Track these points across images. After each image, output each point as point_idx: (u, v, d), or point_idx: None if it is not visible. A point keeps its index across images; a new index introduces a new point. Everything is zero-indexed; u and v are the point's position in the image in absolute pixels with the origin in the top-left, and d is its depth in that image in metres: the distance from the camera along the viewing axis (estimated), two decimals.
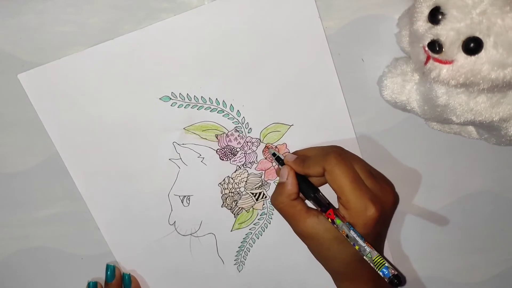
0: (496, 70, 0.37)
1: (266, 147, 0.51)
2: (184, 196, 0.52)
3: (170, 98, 0.48)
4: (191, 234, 0.53)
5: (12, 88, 0.47)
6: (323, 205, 0.46)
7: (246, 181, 0.52)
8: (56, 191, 0.51)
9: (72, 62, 0.46)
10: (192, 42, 0.47)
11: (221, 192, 0.52)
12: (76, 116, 0.48)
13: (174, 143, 0.50)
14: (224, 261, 0.55)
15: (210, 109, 0.49)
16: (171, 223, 0.53)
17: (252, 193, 0.53)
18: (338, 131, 0.51)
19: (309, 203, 0.48)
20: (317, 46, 0.48)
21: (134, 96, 0.48)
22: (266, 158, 0.51)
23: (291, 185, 0.47)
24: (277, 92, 0.49)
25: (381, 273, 0.42)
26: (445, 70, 0.39)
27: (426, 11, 0.39)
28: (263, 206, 0.53)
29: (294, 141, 0.51)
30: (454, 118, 0.44)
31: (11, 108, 0.48)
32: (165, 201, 0.52)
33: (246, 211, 0.53)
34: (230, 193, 0.52)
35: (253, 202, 0.53)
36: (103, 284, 0.53)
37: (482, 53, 0.37)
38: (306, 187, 0.47)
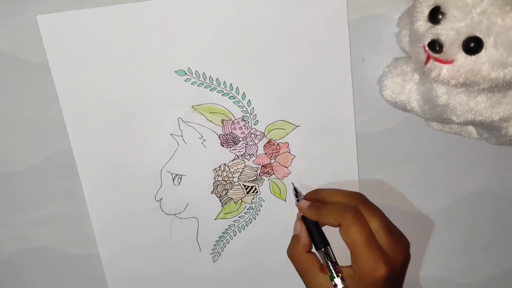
0: (496, 69, 0.37)
1: (292, 183, 0.51)
2: (177, 175, 0.52)
3: (186, 73, 0.48)
4: (174, 214, 0.53)
5: (12, 88, 0.47)
6: (331, 261, 0.46)
7: (241, 172, 0.52)
8: (56, 191, 0.51)
9: (94, 15, 0.45)
10: (218, 23, 0.46)
11: (214, 178, 0.52)
12: (86, 71, 0.47)
13: (179, 119, 0.49)
14: (201, 248, 0.54)
15: (222, 93, 0.49)
16: (157, 199, 0.52)
17: (244, 185, 0.53)
18: (340, 141, 0.51)
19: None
20: (339, 51, 0.48)
21: (150, 64, 0.47)
22: (266, 154, 0.51)
23: (305, 238, 0.47)
24: (291, 90, 0.49)
25: None
26: (445, 70, 0.39)
27: (426, 11, 0.39)
28: (252, 200, 0.53)
29: (297, 142, 0.51)
30: (454, 118, 0.44)
31: (11, 108, 0.48)
32: (156, 176, 0.51)
33: (235, 202, 0.53)
34: (222, 181, 0.52)
35: (243, 195, 0.53)
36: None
37: (482, 53, 0.37)
38: (319, 238, 0.47)
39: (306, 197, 0.50)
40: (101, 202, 0.52)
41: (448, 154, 0.53)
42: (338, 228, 0.45)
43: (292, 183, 0.52)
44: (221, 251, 0.55)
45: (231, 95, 0.49)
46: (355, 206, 0.45)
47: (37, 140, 0.49)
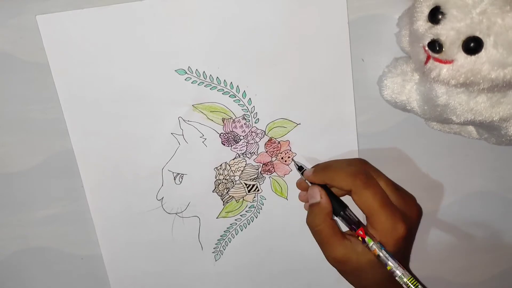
0: (496, 69, 0.37)
1: (292, 160, 0.51)
2: (178, 174, 0.51)
3: (186, 72, 0.48)
4: (176, 213, 0.53)
5: (12, 88, 0.47)
6: (353, 223, 0.45)
7: (242, 171, 0.52)
8: (56, 191, 0.51)
9: (93, 15, 0.45)
10: (219, 22, 0.46)
11: (216, 177, 0.52)
12: (86, 70, 0.47)
13: (179, 118, 0.49)
14: (203, 247, 0.54)
15: (222, 92, 0.49)
16: (158, 199, 0.52)
17: (246, 184, 0.53)
18: (341, 139, 0.51)
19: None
20: (339, 51, 0.48)
21: (149, 63, 0.47)
22: (267, 152, 0.51)
23: (327, 204, 0.46)
24: (291, 89, 0.49)
25: None
26: (445, 70, 0.39)
27: (426, 11, 0.39)
28: (254, 199, 0.53)
29: (298, 141, 0.51)
30: (454, 118, 0.44)
31: (11, 108, 0.48)
32: (157, 175, 0.51)
33: (236, 201, 0.53)
34: (224, 180, 0.52)
35: (245, 193, 0.53)
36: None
37: (482, 53, 0.37)
38: (335, 203, 0.47)
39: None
40: (102, 201, 0.52)
41: (448, 154, 0.53)
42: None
43: (293, 159, 0.51)
44: (223, 250, 0.55)
45: (231, 93, 0.49)
46: (365, 170, 0.45)
47: (37, 140, 0.49)
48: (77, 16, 0.45)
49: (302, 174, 0.50)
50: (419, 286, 0.42)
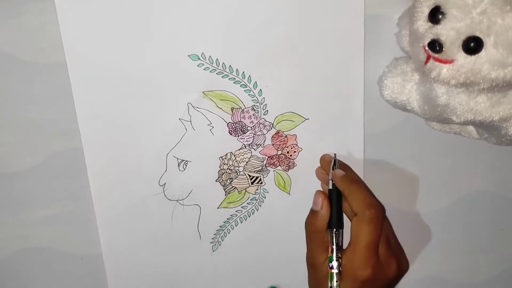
0: (496, 69, 0.37)
1: (334, 155, 0.51)
2: (182, 160, 0.51)
3: (199, 58, 0.47)
4: (177, 201, 0.53)
5: (12, 88, 0.47)
6: (337, 245, 0.46)
7: (247, 162, 0.52)
8: (56, 191, 0.51)
9: None
10: (235, 10, 0.46)
11: (220, 166, 0.52)
12: (99, 50, 0.46)
13: (188, 104, 0.49)
14: (201, 237, 0.54)
15: (234, 80, 0.48)
16: (161, 184, 0.52)
17: (249, 176, 0.52)
18: (348, 135, 0.51)
19: None
20: (353, 48, 0.48)
21: (163, 46, 0.47)
22: (273, 145, 0.51)
23: (325, 215, 0.47)
24: (302, 83, 0.49)
25: None
26: (445, 70, 0.39)
27: (426, 11, 0.39)
28: (256, 191, 0.53)
29: (305, 135, 0.51)
30: (454, 118, 0.44)
31: (11, 108, 0.48)
32: (161, 160, 0.51)
33: (238, 192, 0.53)
34: (228, 170, 0.52)
35: (248, 185, 0.53)
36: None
37: (482, 53, 0.37)
38: (336, 219, 0.47)
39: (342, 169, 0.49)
40: (105, 183, 0.51)
41: (448, 154, 0.53)
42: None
43: (335, 154, 0.51)
44: (221, 241, 0.55)
45: (242, 83, 0.48)
46: (383, 208, 0.46)
47: (37, 140, 0.49)
48: None
49: (333, 167, 0.49)
50: None
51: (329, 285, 0.45)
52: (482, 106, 0.42)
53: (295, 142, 0.51)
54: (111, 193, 0.52)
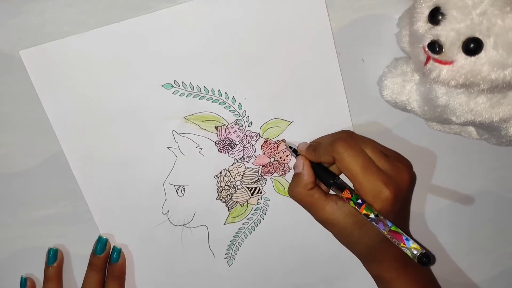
0: (496, 70, 0.37)
1: (267, 144, 0.51)
2: (179, 186, 0.52)
3: (173, 86, 0.48)
4: (183, 225, 0.53)
5: (12, 88, 0.47)
6: (344, 190, 0.45)
7: (242, 175, 0.52)
8: (57, 191, 0.51)
9: (75, 42, 0.46)
10: (197, 31, 0.47)
11: (217, 185, 0.52)
12: (76, 97, 0.48)
13: (173, 132, 0.50)
14: (214, 254, 0.55)
15: (211, 100, 0.49)
16: (164, 213, 0.53)
17: (248, 188, 0.53)
18: (337, 129, 0.51)
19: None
20: (323, 44, 0.48)
21: (136, 82, 0.48)
22: (264, 154, 0.51)
23: (307, 175, 0.47)
24: (280, 88, 0.49)
25: (408, 252, 0.41)
26: (445, 71, 0.39)
27: (426, 12, 0.39)
28: (258, 201, 0.53)
29: (294, 138, 0.51)
30: (454, 119, 0.44)
31: (11, 108, 0.48)
32: (159, 190, 0.52)
33: (241, 205, 0.53)
34: (225, 186, 0.52)
35: (248, 197, 0.53)
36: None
37: (482, 54, 0.37)
38: (324, 175, 0.47)
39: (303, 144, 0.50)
40: (110, 222, 0.52)
41: (448, 154, 0.53)
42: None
43: (283, 140, 0.51)
44: (234, 255, 0.55)
45: (221, 101, 0.49)
46: (343, 136, 0.46)
47: (37, 140, 0.49)
48: (59, 45, 0.46)
49: (295, 154, 0.50)
50: (412, 243, 0.41)
51: (373, 218, 0.43)
52: (482, 107, 0.42)
53: (285, 147, 0.51)
54: (118, 228, 0.53)
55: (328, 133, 0.51)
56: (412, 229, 0.55)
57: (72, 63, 0.47)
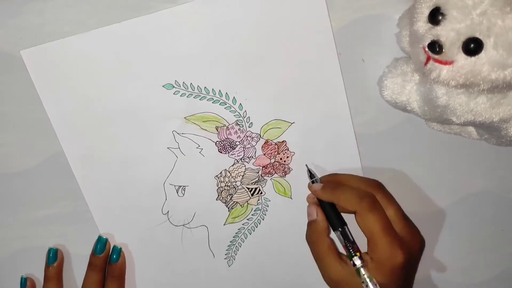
0: (496, 71, 0.37)
1: (306, 165, 0.51)
2: (180, 186, 0.52)
3: (173, 86, 0.48)
4: (183, 225, 0.53)
5: (12, 88, 0.47)
6: (349, 241, 0.45)
7: (243, 176, 0.52)
8: (57, 191, 0.51)
9: (76, 42, 0.46)
10: (198, 31, 0.47)
11: (217, 185, 0.52)
12: (76, 97, 0.48)
13: (173, 132, 0.50)
14: (214, 255, 0.55)
15: (212, 100, 0.49)
16: (164, 213, 0.53)
17: (248, 188, 0.53)
18: (338, 132, 0.51)
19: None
20: (324, 44, 0.48)
21: (137, 82, 0.48)
22: (265, 155, 0.51)
23: (323, 221, 0.47)
24: (280, 88, 0.49)
25: None
26: (445, 71, 0.39)
27: (426, 12, 0.39)
28: (258, 201, 0.53)
29: (294, 139, 0.51)
30: (454, 119, 0.44)
31: (11, 108, 0.48)
32: (160, 190, 0.52)
33: (241, 205, 0.53)
34: (226, 187, 0.52)
35: (248, 197, 0.53)
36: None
37: (482, 54, 0.37)
38: (336, 219, 0.47)
39: (322, 180, 0.49)
40: (110, 222, 0.52)
41: (448, 154, 0.53)
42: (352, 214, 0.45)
43: (306, 164, 0.51)
44: (234, 255, 0.55)
45: (221, 101, 0.49)
46: (372, 194, 0.45)
47: (37, 140, 0.49)
48: (60, 45, 0.46)
49: (312, 181, 0.50)
50: None
51: (363, 282, 0.43)
52: (482, 107, 0.42)
53: (286, 148, 0.51)
54: (118, 228, 0.53)
55: (328, 134, 0.50)
56: None
57: (72, 63, 0.47)
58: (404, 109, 0.48)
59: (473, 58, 0.37)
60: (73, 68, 0.47)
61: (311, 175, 0.50)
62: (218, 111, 0.49)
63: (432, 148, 0.53)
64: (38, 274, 0.53)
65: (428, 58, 0.40)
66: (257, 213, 0.54)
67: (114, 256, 0.52)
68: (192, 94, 0.48)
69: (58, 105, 0.48)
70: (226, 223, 0.54)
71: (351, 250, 0.45)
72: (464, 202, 0.55)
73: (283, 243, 0.55)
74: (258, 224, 0.54)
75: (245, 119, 0.50)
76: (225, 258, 0.55)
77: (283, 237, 0.55)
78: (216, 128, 0.50)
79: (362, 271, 0.44)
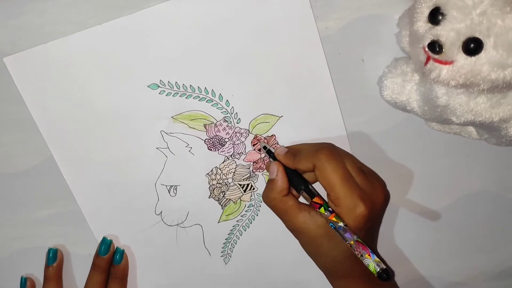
0: (496, 70, 0.37)
1: (256, 139, 0.51)
2: (171, 186, 0.52)
3: (159, 86, 0.48)
4: (177, 225, 0.53)
5: (12, 88, 0.47)
6: (314, 195, 0.45)
7: (234, 172, 0.52)
8: (56, 191, 0.51)
9: (59, 46, 0.46)
10: (181, 30, 0.47)
11: (209, 183, 0.52)
12: (62, 102, 0.48)
13: (161, 132, 0.50)
14: (210, 253, 0.55)
15: (198, 98, 0.49)
16: (157, 213, 0.53)
17: (240, 185, 0.53)
18: (327, 123, 0.51)
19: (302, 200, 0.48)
20: (308, 37, 0.48)
21: (122, 83, 0.48)
22: (254, 150, 0.51)
23: (281, 181, 0.46)
24: (267, 83, 0.49)
25: (371, 266, 0.42)
26: (445, 71, 0.39)
27: (426, 12, 0.39)
28: (251, 198, 0.53)
29: (283, 133, 0.51)
30: (454, 119, 0.44)
31: (11, 108, 0.48)
32: (151, 191, 0.52)
33: (234, 202, 0.53)
34: (217, 184, 0.52)
35: (241, 194, 0.53)
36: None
37: (482, 54, 0.37)
38: (297, 180, 0.47)
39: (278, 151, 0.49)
40: (103, 225, 0.52)
41: (448, 154, 0.53)
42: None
43: (261, 141, 0.51)
44: (230, 252, 0.55)
45: (208, 98, 0.49)
46: (327, 147, 0.45)
47: (37, 140, 0.49)
48: (43, 50, 0.46)
49: (269, 155, 0.49)
50: (373, 259, 0.42)
51: (338, 228, 0.43)
52: (482, 107, 0.42)
53: (275, 142, 0.51)
54: (112, 231, 0.53)
55: (317, 126, 0.50)
56: (412, 230, 0.55)
57: (57, 67, 0.47)
58: (404, 109, 0.48)
59: (473, 58, 0.37)
60: (57, 73, 0.47)
61: (268, 150, 0.50)
62: (205, 109, 0.49)
63: (432, 148, 0.53)
64: (38, 274, 0.53)
65: (428, 58, 0.40)
66: (250, 209, 0.54)
67: (117, 258, 0.52)
68: (178, 93, 0.48)
69: (45, 110, 0.48)
70: (220, 220, 0.54)
71: (323, 202, 0.44)
72: (463, 202, 0.55)
73: (279, 238, 0.55)
74: (253, 220, 0.54)
75: (232, 115, 0.50)
76: (221, 256, 0.55)
77: (278, 232, 0.54)
78: (204, 126, 0.50)
79: (338, 219, 0.43)
